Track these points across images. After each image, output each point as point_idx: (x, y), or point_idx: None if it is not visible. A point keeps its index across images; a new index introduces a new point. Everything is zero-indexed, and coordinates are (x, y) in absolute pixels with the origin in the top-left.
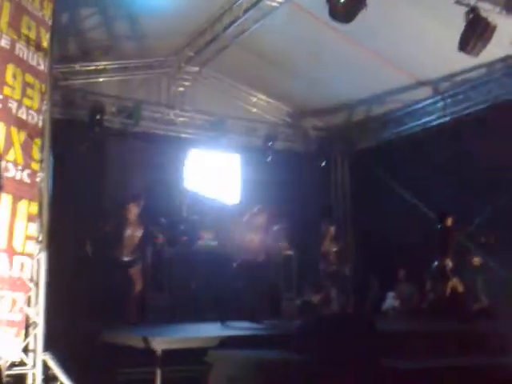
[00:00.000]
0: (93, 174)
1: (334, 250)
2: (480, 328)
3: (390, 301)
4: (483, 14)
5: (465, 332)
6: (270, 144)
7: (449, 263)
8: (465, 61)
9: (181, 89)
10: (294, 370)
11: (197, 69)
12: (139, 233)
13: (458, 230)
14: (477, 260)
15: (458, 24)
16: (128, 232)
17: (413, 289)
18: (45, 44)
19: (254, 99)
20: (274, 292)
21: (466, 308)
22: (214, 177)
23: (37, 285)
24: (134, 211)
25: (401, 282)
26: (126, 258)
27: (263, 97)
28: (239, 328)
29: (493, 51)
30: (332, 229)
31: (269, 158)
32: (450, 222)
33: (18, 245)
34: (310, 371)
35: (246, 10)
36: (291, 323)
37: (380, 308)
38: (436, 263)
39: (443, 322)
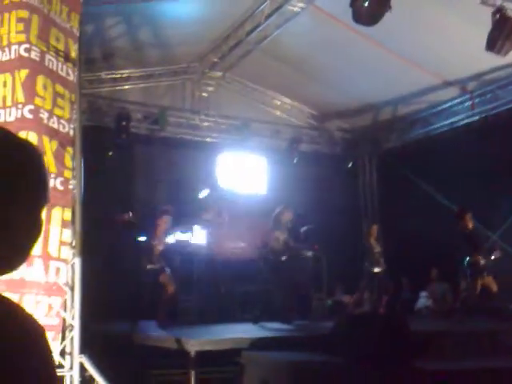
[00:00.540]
0: (121, 179)
1: (377, 250)
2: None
3: (423, 300)
4: (510, 13)
5: (499, 332)
6: (295, 146)
7: (480, 260)
8: (492, 60)
9: (205, 94)
10: (326, 371)
11: (220, 74)
12: (163, 245)
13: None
14: (497, 253)
15: (486, 22)
16: (155, 243)
17: (445, 288)
18: (73, 55)
19: (278, 102)
20: (303, 292)
21: (501, 307)
22: (244, 178)
23: (72, 289)
24: (163, 226)
25: (433, 282)
26: (150, 267)
27: (287, 100)
28: (271, 329)
29: None
30: (375, 228)
31: (295, 160)
32: (468, 218)
33: (53, 250)
34: (342, 373)
35: (268, 16)
36: (322, 324)
37: (413, 308)
38: (468, 260)
39: (477, 322)
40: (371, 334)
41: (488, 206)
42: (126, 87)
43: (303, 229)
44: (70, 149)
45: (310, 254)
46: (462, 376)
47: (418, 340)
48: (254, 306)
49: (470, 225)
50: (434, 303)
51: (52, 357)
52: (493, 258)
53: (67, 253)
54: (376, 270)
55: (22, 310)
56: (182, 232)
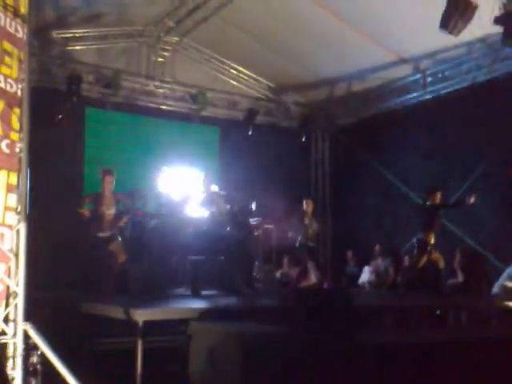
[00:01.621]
0: (70, 143)
1: (313, 225)
2: (454, 302)
3: (366, 275)
4: None
5: (438, 306)
6: (251, 118)
7: (432, 238)
8: (446, 39)
9: (161, 59)
10: (273, 342)
11: (177, 39)
12: (113, 210)
13: (442, 205)
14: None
15: (441, 2)
16: (103, 208)
17: (388, 263)
18: (23, 10)
19: (235, 72)
20: (251, 264)
21: (443, 283)
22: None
23: (17, 255)
24: (107, 187)
25: (377, 257)
26: (101, 234)
27: (245, 70)
28: (219, 300)
29: (473, 31)
30: (310, 204)
31: (249, 132)
32: (438, 197)
33: None
34: (289, 344)
35: None
36: (270, 296)
37: (356, 282)
38: (419, 237)
39: (418, 297)
40: (315, 307)
41: (435, 184)
42: (78, 48)
43: (253, 203)
44: (17, 110)
45: (262, 227)
46: (403, 349)
47: (360, 314)
48: (201, 277)
49: (438, 203)
50: (376, 278)
51: None
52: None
53: (12, 218)
54: (309, 244)
55: None
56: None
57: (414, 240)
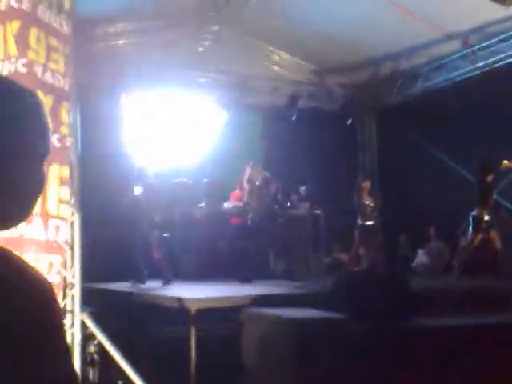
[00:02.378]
0: (119, 134)
1: (371, 204)
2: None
3: (420, 258)
4: None
5: (498, 290)
6: (294, 103)
7: (486, 216)
8: (494, 12)
9: (201, 49)
10: (326, 328)
11: (217, 28)
12: (157, 197)
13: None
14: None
15: None
16: (152, 195)
17: (442, 246)
18: (67, 5)
19: (277, 58)
20: (298, 251)
21: (504, 264)
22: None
23: (72, 247)
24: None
25: (431, 240)
26: (158, 219)
27: (286, 55)
28: (270, 287)
29: None
30: (368, 183)
31: (293, 117)
32: (491, 172)
33: (52, 208)
34: (341, 329)
35: None
36: (321, 282)
37: (410, 265)
38: (473, 214)
39: (476, 280)
40: (370, 291)
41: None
42: (121, 42)
43: (302, 188)
44: (66, 104)
45: (308, 212)
46: (459, 332)
47: (416, 297)
48: (249, 265)
49: (490, 179)
50: (431, 260)
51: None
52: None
53: (66, 210)
54: (368, 222)
55: (26, 263)
56: None
57: (470, 218)
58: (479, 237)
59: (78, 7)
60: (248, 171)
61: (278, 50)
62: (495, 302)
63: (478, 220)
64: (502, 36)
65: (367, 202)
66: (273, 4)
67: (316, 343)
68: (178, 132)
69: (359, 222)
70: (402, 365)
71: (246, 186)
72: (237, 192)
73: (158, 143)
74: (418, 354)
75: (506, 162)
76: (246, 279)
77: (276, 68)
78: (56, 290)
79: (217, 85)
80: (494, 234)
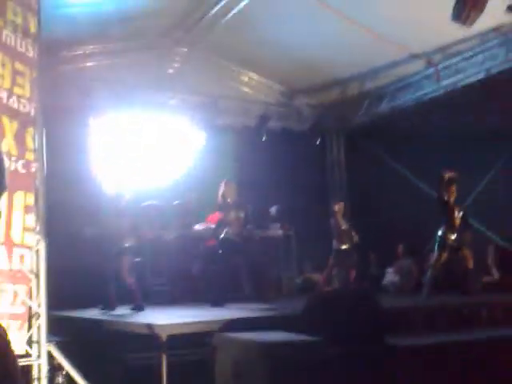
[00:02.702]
0: (87, 158)
1: (344, 227)
2: (485, 301)
3: (390, 276)
4: None
5: (467, 305)
6: (264, 123)
7: (450, 234)
8: (457, 32)
9: (170, 70)
10: (298, 351)
11: (186, 50)
12: (128, 221)
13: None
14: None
15: None
16: (122, 219)
17: (411, 263)
18: (32, 29)
19: (246, 79)
20: (271, 272)
21: (472, 281)
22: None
23: (37, 276)
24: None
25: (400, 257)
26: (125, 244)
27: (255, 76)
28: (242, 310)
29: (485, 21)
30: (341, 205)
31: (264, 138)
32: (453, 190)
33: (16, 237)
34: (315, 351)
35: None
36: (293, 303)
37: (379, 284)
38: (437, 234)
39: (445, 297)
40: (342, 312)
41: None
42: (90, 64)
43: (272, 208)
44: (31, 129)
45: (279, 232)
46: (432, 351)
47: (388, 316)
48: (222, 288)
49: (452, 197)
50: (400, 279)
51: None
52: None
53: (31, 238)
54: (343, 247)
55: None
56: None
57: (438, 237)
58: (445, 255)
59: (44, 30)
60: (222, 188)
61: (247, 71)
62: (464, 319)
63: (440, 239)
64: (465, 55)
65: (342, 225)
66: (242, 26)
67: (289, 366)
68: (151, 154)
69: (334, 245)
70: None
71: (219, 200)
72: (217, 214)
73: (130, 166)
74: (389, 373)
75: (447, 174)
76: (217, 303)
77: (246, 89)
78: (20, 322)
79: (188, 106)
80: (466, 252)
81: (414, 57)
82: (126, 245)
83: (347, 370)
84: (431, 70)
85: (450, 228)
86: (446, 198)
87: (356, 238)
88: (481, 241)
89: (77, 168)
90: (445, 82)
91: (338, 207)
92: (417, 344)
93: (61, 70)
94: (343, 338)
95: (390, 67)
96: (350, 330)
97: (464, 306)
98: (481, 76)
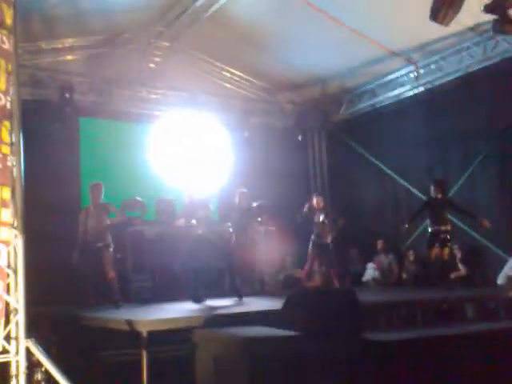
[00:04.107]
0: (65, 154)
1: (323, 221)
2: (460, 296)
3: (370, 272)
4: None
5: (445, 300)
6: (246, 119)
7: (441, 232)
8: (436, 31)
9: (152, 65)
10: (278, 345)
11: (167, 44)
12: (97, 221)
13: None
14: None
15: None
16: (88, 221)
17: (391, 259)
18: (8, 21)
19: (228, 75)
20: (252, 268)
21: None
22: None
23: (15, 272)
24: (93, 201)
25: (380, 253)
26: (94, 245)
27: (237, 72)
28: (223, 306)
29: (463, 20)
30: (320, 200)
31: (245, 134)
32: (441, 190)
33: None
34: (294, 346)
35: None
36: (275, 299)
37: (360, 280)
38: (429, 230)
39: (425, 292)
40: (321, 308)
41: (433, 178)
42: (69, 57)
43: (255, 204)
44: (7, 123)
45: (261, 228)
46: (410, 345)
47: (367, 312)
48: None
49: (439, 196)
50: (380, 274)
51: None
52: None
53: (8, 234)
54: (322, 241)
55: None
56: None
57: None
58: (434, 251)
59: (21, 22)
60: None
61: (228, 67)
62: (445, 312)
63: (430, 236)
64: (443, 54)
65: (321, 220)
66: (223, 21)
67: (268, 361)
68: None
69: (313, 240)
70: (354, 381)
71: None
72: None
73: (110, 161)
74: (368, 368)
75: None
76: (198, 299)
77: (227, 85)
78: None
79: (168, 101)
80: (445, 249)
81: (394, 55)
82: (108, 241)
83: (325, 365)
84: (411, 67)
85: (439, 221)
86: (435, 196)
87: (335, 233)
88: (458, 236)
89: (57, 163)
90: (424, 80)
91: (316, 202)
92: (394, 339)
93: (39, 63)
94: (322, 333)
95: (371, 65)
96: (329, 326)
97: (445, 301)
98: (459, 74)
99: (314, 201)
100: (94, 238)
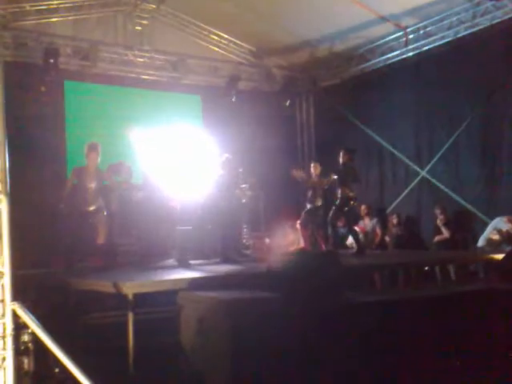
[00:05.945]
0: (50, 117)
1: (320, 186)
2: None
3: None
4: None
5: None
6: (233, 84)
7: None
8: None
9: (138, 28)
10: (261, 307)
11: (154, 6)
12: (96, 184)
13: None
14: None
15: None
16: (86, 183)
17: (375, 223)
18: None
19: (216, 38)
20: (238, 232)
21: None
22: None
23: (0, 235)
24: (92, 163)
25: (363, 217)
26: (87, 208)
27: (225, 35)
28: (207, 269)
29: None
30: (318, 167)
31: (233, 99)
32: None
33: None
34: (276, 308)
35: None
36: (260, 262)
37: (344, 243)
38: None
39: (407, 254)
40: (305, 269)
41: (419, 143)
42: (54, 20)
43: (240, 169)
44: None
45: (248, 193)
46: (392, 306)
47: (350, 274)
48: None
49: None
50: (364, 238)
51: None
52: None
53: None
54: (317, 204)
55: None
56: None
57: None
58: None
59: None
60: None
61: (216, 31)
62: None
63: None
64: (433, 19)
65: (316, 185)
66: None
67: (250, 322)
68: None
69: (308, 206)
70: (339, 341)
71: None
72: None
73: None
74: (352, 329)
75: None
76: (184, 262)
77: (215, 49)
78: None
79: (155, 65)
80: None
81: (384, 19)
82: (101, 204)
83: (307, 325)
84: (400, 32)
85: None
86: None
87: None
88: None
89: (43, 125)
90: (413, 45)
91: (312, 168)
92: (374, 300)
93: (23, 25)
94: (304, 295)
95: (360, 29)
96: (312, 288)
97: (424, 263)
98: (448, 39)
99: (312, 167)
100: (86, 201)
